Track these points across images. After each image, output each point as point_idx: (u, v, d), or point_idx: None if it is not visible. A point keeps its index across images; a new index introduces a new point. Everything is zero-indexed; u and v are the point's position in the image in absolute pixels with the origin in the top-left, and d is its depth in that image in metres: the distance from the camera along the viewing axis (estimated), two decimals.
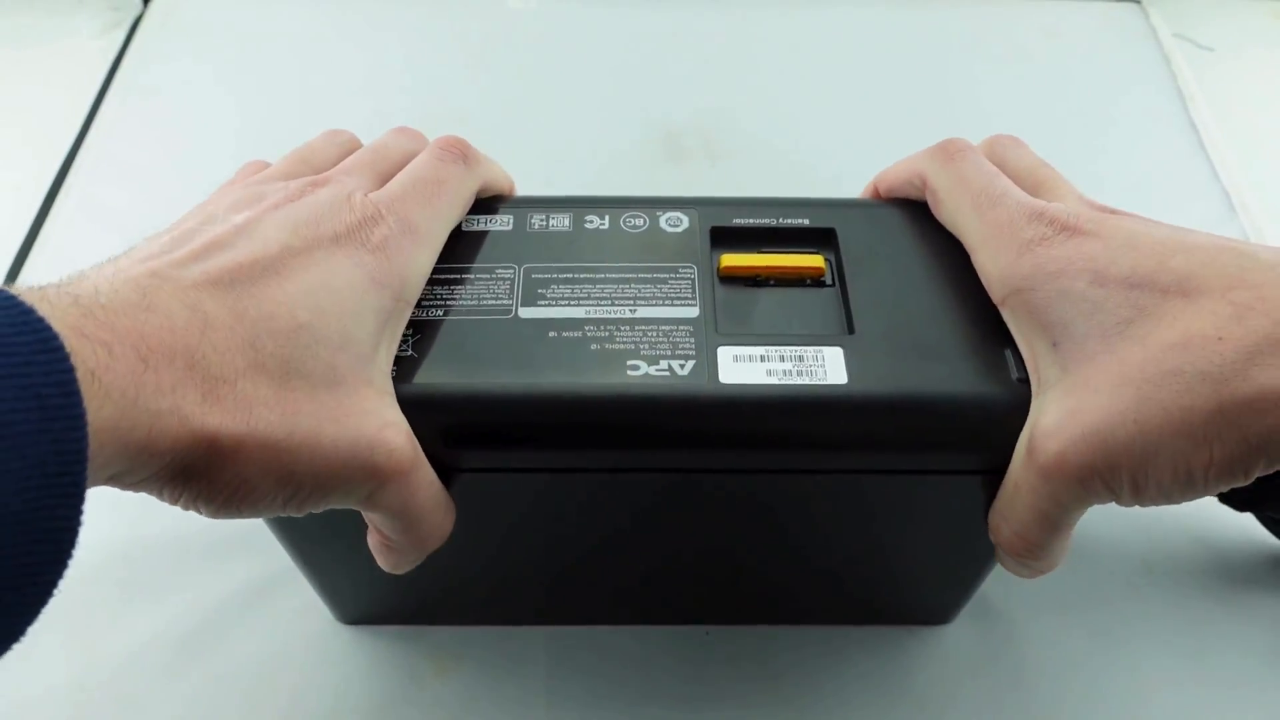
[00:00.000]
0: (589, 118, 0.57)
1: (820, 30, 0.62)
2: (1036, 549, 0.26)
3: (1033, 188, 0.28)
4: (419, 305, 0.27)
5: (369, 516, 0.26)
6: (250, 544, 0.39)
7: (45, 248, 0.51)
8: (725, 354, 0.27)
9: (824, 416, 0.26)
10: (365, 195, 0.27)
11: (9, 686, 0.36)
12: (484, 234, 0.30)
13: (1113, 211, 0.27)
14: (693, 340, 0.27)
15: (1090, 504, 0.25)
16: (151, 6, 0.64)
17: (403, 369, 0.26)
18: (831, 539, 0.33)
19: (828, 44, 0.62)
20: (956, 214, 0.28)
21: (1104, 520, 0.41)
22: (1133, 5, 0.64)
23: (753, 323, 0.28)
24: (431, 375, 0.26)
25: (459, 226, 0.29)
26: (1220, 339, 0.22)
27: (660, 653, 0.37)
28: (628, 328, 0.27)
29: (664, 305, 0.28)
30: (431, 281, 0.28)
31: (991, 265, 0.27)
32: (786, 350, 0.27)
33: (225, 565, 0.39)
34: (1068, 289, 0.25)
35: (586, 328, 0.27)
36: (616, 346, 0.27)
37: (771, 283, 0.29)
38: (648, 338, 0.27)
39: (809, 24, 0.63)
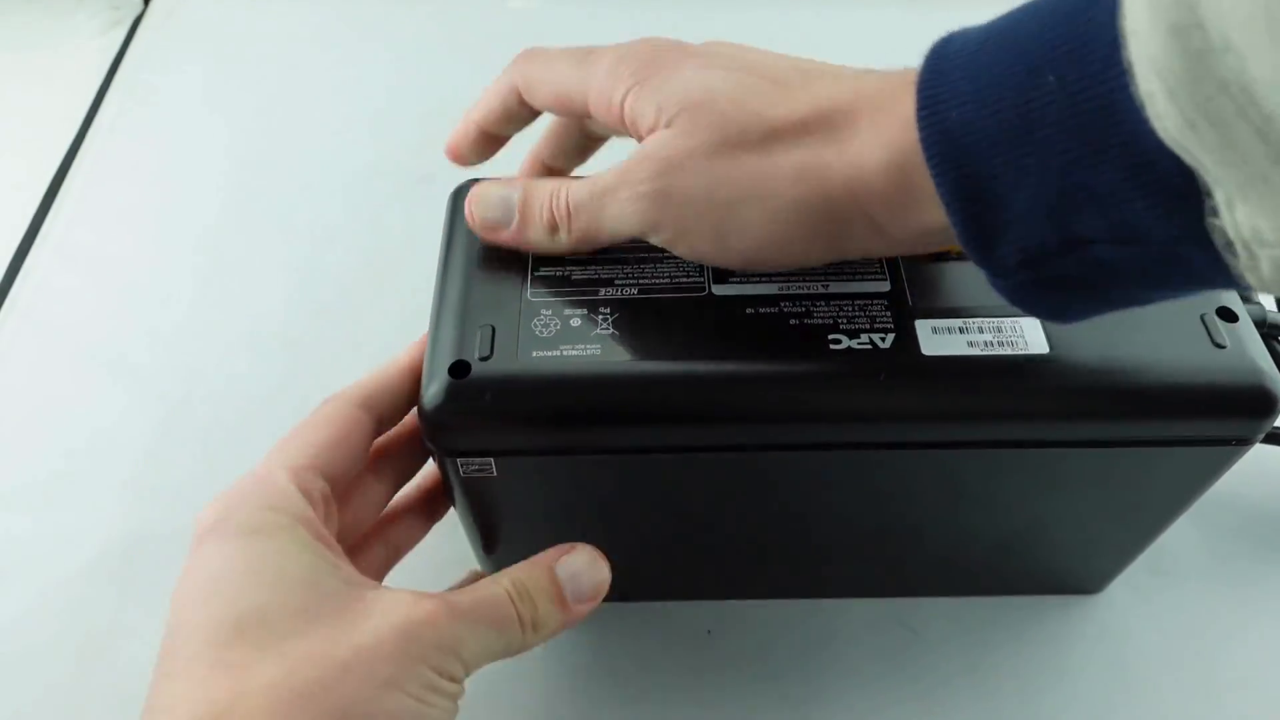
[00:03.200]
0: None
1: (820, 30, 0.62)
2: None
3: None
4: (612, 284, 0.29)
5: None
6: None
7: (45, 247, 0.51)
8: (923, 326, 0.27)
9: (1030, 385, 0.27)
10: None
11: (11, 686, 0.36)
12: None
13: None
14: (889, 314, 0.28)
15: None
16: (152, 6, 0.64)
17: (606, 348, 0.27)
18: (1008, 513, 0.33)
19: (828, 44, 0.62)
20: (564, 86, 0.29)
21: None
22: None
23: (943, 296, 0.28)
24: (638, 353, 0.27)
25: None
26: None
27: (783, 623, 0.38)
28: (823, 303, 0.28)
29: (855, 280, 0.28)
30: (619, 260, 0.29)
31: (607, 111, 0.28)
32: (984, 322, 0.28)
33: None
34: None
35: (782, 303, 0.28)
36: (815, 321, 0.27)
37: (954, 257, 0.29)
38: (844, 312, 0.28)
39: (809, 24, 0.63)
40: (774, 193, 0.24)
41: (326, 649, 0.23)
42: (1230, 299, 0.29)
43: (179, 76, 0.60)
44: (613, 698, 0.36)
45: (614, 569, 0.36)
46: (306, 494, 0.26)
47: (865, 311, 0.28)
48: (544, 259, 0.30)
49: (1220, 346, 0.27)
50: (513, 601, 0.26)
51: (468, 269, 0.29)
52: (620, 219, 0.27)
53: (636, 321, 0.28)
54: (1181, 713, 0.36)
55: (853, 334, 0.27)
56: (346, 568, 0.26)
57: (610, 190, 0.27)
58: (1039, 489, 0.31)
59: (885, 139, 0.23)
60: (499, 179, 0.30)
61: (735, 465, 0.29)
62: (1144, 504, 0.32)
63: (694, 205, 0.25)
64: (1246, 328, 0.28)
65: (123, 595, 0.38)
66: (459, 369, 0.27)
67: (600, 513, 0.32)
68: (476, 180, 0.32)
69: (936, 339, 0.27)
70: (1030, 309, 0.23)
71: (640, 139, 0.27)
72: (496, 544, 0.34)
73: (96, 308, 0.48)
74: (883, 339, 0.27)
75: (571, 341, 0.27)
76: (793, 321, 0.28)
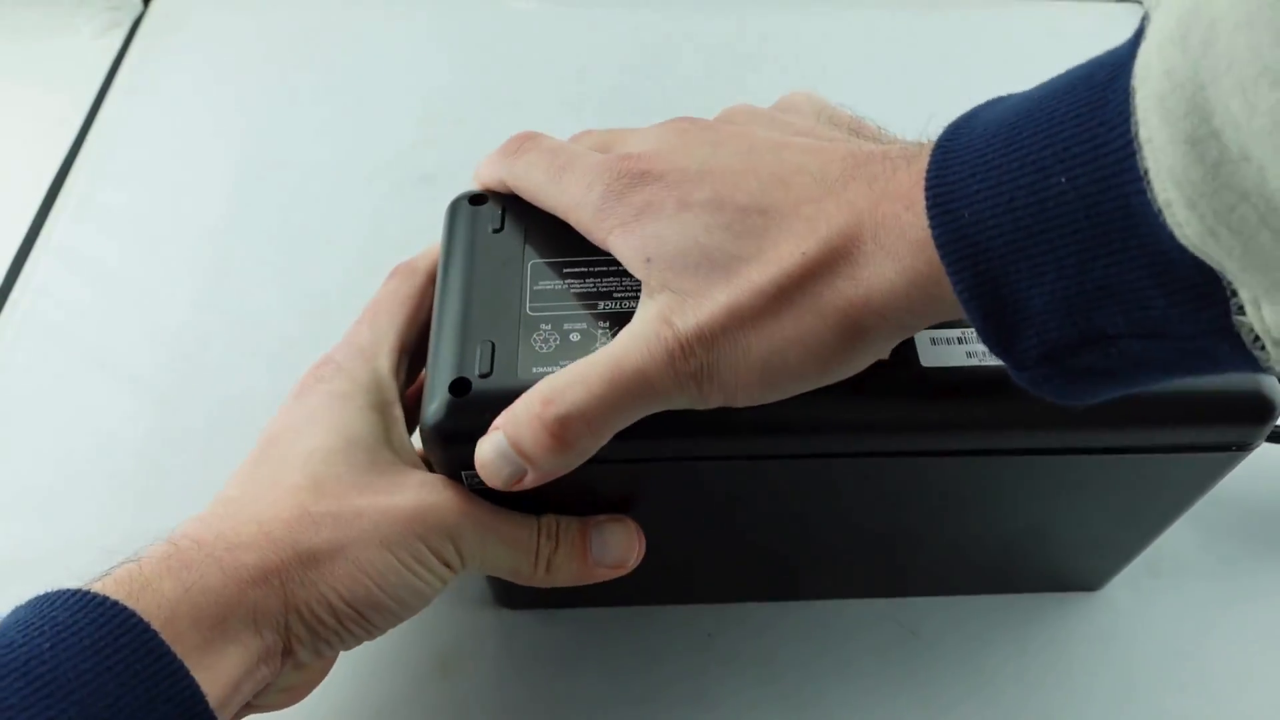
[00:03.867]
0: (590, 118, 0.57)
1: (820, 30, 0.62)
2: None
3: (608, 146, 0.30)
4: (610, 297, 0.29)
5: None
6: None
7: (46, 248, 0.50)
8: (923, 337, 0.27)
9: (1028, 395, 0.26)
10: None
11: None
12: None
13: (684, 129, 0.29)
14: None
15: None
16: (152, 7, 0.64)
17: None
18: (1008, 518, 0.33)
19: (828, 44, 0.62)
20: (539, 197, 0.30)
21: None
22: (1133, 5, 0.64)
23: None
24: None
25: None
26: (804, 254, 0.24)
27: (784, 625, 0.38)
28: None
29: None
30: (617, 274, 0.29)
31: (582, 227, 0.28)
32: None
33: None
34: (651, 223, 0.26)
35: None
36: None
37: None
38: None
39: (809, 24, 0.63)
40: (809, 334, 0.24)
41: (353, 495, 0.28)
42: None
43: (179, 77, 0.60)
44: (614, 699, 0.36)
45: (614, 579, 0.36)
46: (396, 376, 0.32)
47: None
48: (542, 274, 0.29)
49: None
50: (539, 533, 0.30)
51: (466, 284, 0.29)
52: (663, 403, 0.26)
53: None
54: (1182, 712, 0.36)
55: None
56: (402, 439, 0.31)
57: (646, 377, 0.25)
58: (1039, 495, 0.31)
59: (897, 258, 0.23)
60: (486, 437, 0.27)
61: (736, 475, 0.29)
62: (1144, 508, 0.32)
63: (740, 371, 0.25)
64: None
65: None
66: (459, 386, 0.27)
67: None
68: (472, 194, 0.32)
69: (935, 350, 0.27)
70: (1052, 397, 0.23)
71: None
72: None
73: (96, 309, 0.48)
74: None
75: (571, 356, 0.27)
76: None
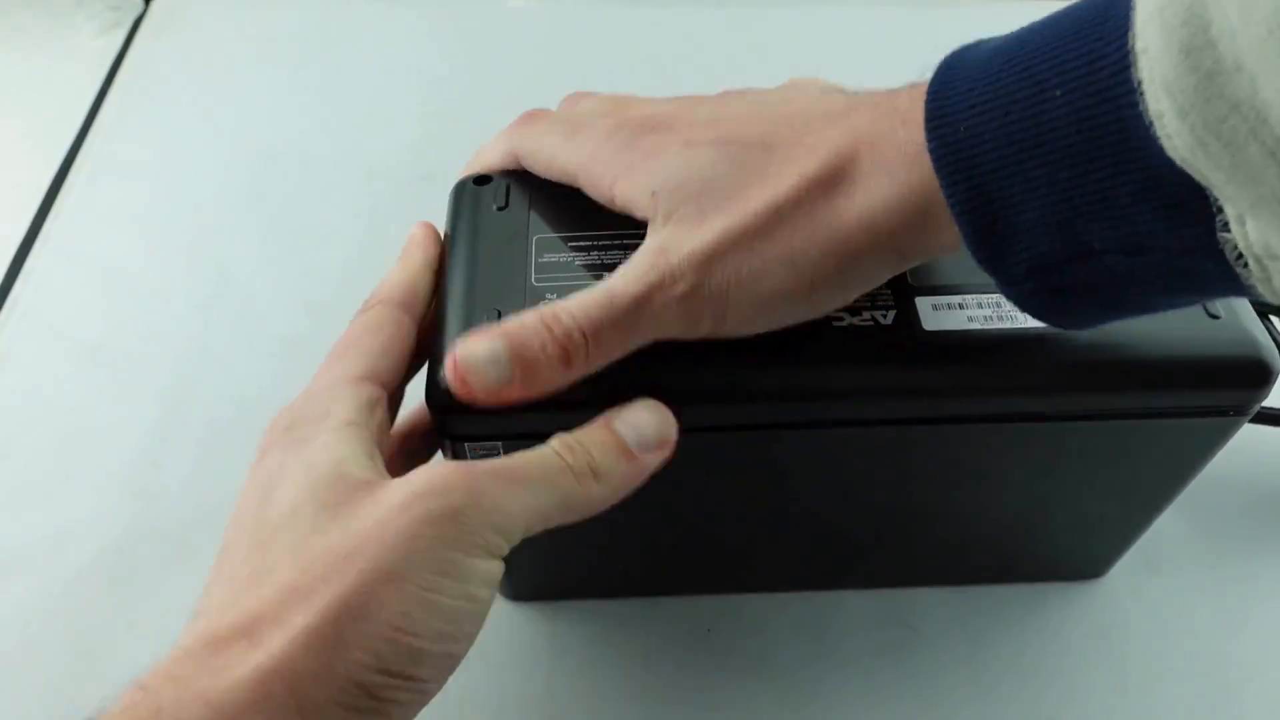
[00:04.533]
0: None
1: (820, 29, 0.62)
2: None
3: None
4: (614, 269, 0.28)
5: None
6: None
7: (46, 247, 0.51)
8: (924, 303, 0.28)
9: (1029, 358, 0.27)
10: None
11: (8, 684, 0.36)
12: None
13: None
14: (889, 290, 0.28)
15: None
16: (152, 7, 0.64)
17: None
18: (1009, 492, 0.33)
19: (827, 43, 0.62)
20: (555, 158, 0.29)
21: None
22: None
23: (943, 273, 0.29)
24: None
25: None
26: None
27: (782, 621, 0.38)
28: None
29: None
30: (621, 245, 0.29)
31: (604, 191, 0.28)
32: (984, 297, 0.28)
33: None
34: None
35: None
36: None
37: None
38: None
39: (809, 23, 0.63)
40: (799, 254, 0.24)
41: (334, 542, 0.22)
42: None
43: (179, 77, 0.60)
44: (613, 695, 0.36)
45: (620, 561, 0.36)
46: (363, 403, 0.27)
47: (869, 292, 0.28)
48: (547, 248, 0.30)
49: (1215, 317, 0.27)
50: (559, 454, 0.25)
51: (472, 259, 0.29)
52: (655, 327, 0.25)
53: None
54: (1181, 704, 0.36)
55: (854, 311, 0.27)
56: (380, 466, 0.25)
57: (639, 300, 0.25)
58: (1039, 465, 0.31)
59: (891, 173, 0.23)
60: (474, 335, 0.26)
61: (742, 446, 0.29)
62: (1143, 479, 0.32)
63: (729, 293, 0.25)
64: (1241, 299, 0.28)
65: (121, 594, 0.38)
66: None
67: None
68: (476, 175, 0.32)
69: (937, 315, 0.27)
70: (1040, 315, 0.23)
71: (637, 220, 0.27)
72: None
73: (96, 308, 0.48)
74: (884, 315, 0.27)
75: None
76: None
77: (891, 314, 0.27)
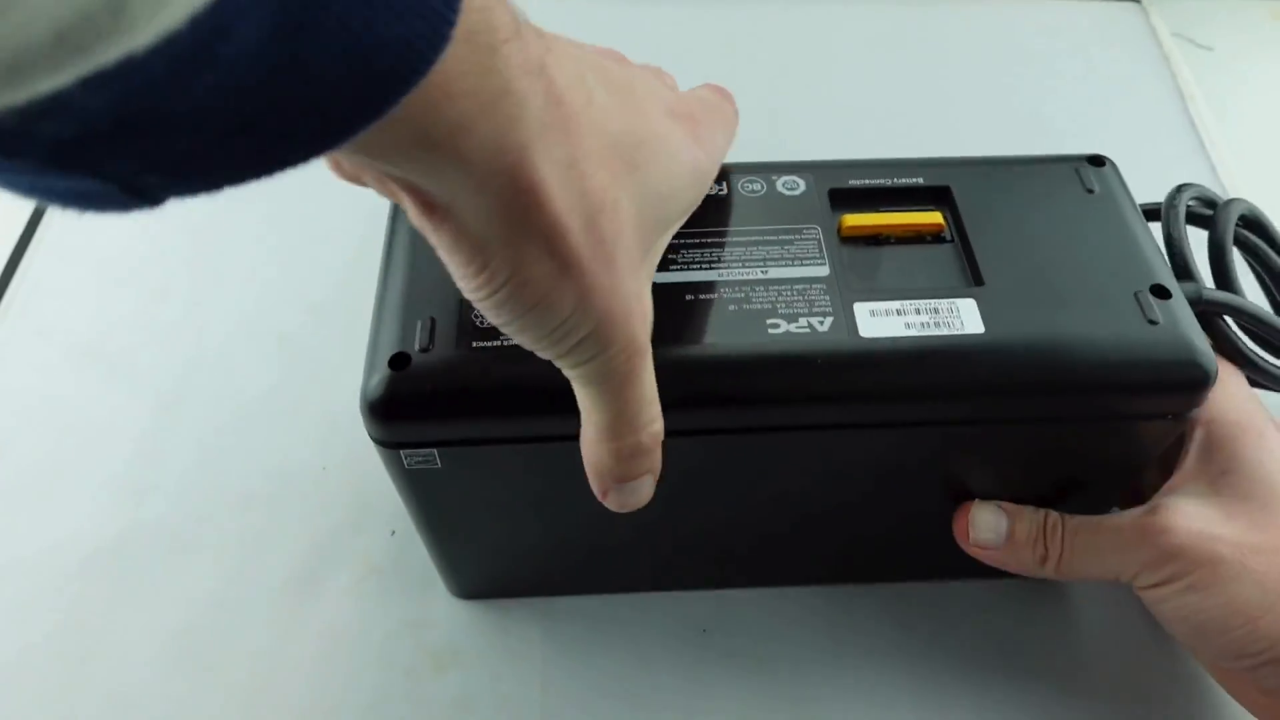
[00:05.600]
0: None
1: (820, 28, 0.62)
2: (1040, 569, 0.32)
3: None
4: None
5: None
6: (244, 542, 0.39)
7: (41, 245, 0.50)
8: (862, 309, 0.28)
9: (966, 365, 0.27)
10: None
11: (6, 683, 0.36)
12: None
13: None
14: (828, 298, 0.28)
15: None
16: None
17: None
18: (958, 493, 0.33)
19: (827, 42, 0.62)
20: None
21: None
22: (1133, 5, 0.64)
23: (881, 279, 0.29)
24: None
25: None
26: None
27: (778, 622, 0.38)
28: (762, 288, 0.28)
29: (794, 265, 0.29)
30: None
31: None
32: (922, 304, 0.28)
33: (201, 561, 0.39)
34: None
35: (722, 289, 0.28)
36: (754, 306, 0.28)
37: (893, 240, 0.30)
38: (783, 297, 0.28)
39: (809, 21, 0.63)
40: None
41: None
42: (1164, 276, 0.29)
43: None
44: (608, 695, 0.36)
45: (560, 561, 0.36)
46: None
47: (804, 296, 0.28)
48: None
49: (1153, 323, 0.27)
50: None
51: (409, 264, 0.29)
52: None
53: None
54: (1180, 704, 0.36)
55: (791, 318, 0.28)
56: None
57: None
58: (982, 466, 0.31)
59: None
60: (987, 504, 0.33)
61: (677, 451, 0.29)
62: (1086, 481, 0.32)
63: None
64: (1180, 304, 0.28)
65: (117, 592, 0.38)
66: (399, 361, 0.27)
67: (545, 504, 0.32)
68: None
69: (874, 321, 0.28)
70: None
71: None
72: (446, 540, 0.34)
73: (92, 306, 0.48)
74: (821, 322, 0.27)
75: None
76: (731, 307, 0.28)
77: (829, 320, 0.28)
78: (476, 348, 0.27)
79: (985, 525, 0.32)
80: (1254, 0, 0.65)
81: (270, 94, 0.14)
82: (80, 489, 0.41)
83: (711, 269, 0.29)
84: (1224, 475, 0.30)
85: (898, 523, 0.35)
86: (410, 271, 0.29)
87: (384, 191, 0.21)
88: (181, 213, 0.53)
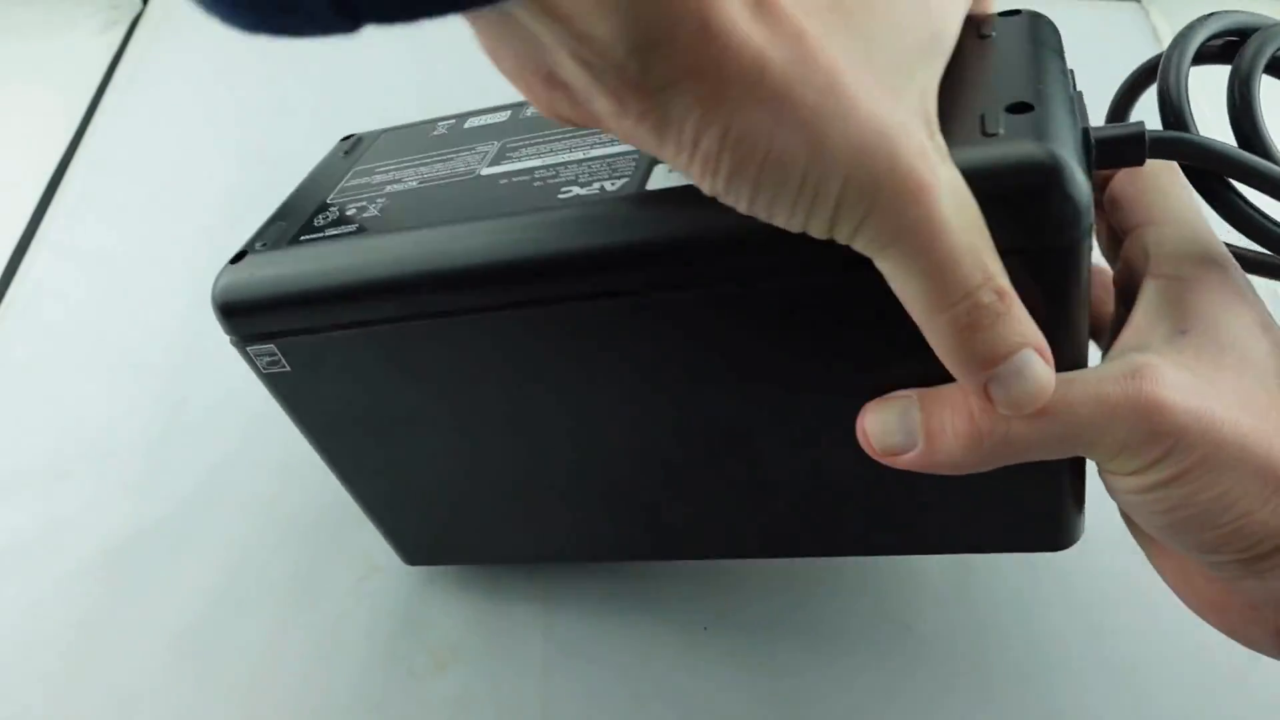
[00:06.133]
0: None
1: None
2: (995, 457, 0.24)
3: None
4: (401, 181, 0.30)
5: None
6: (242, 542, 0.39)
7: (44, 242, 0.51)
8: (660, 169, 0.26)
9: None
10: None
11: (9, 683, 0.36)
12: (484, 125, 0.32)
13: None
14: (634, 164, 0.27)
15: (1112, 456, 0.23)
16: (151, 5, 0.64)
17: (365, 226, 0.28)
18: (844, 394, 0.26)
19: None
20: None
21: None
22: (1133, 5, 0.64)
23: None
24: (387, 227, 0.28)
25: (464, 122, 0.33)
26: None
27: (779, 619, 0.38)
28: (575, 165, 0.28)
29: (615, 144, 0.28)
30: (416, 163, 0.31)
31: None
32: None
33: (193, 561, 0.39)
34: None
35: (537, 172, 0.28)
36: (557, 180, 0.28)
37: None
38: (590, 169, 0.27)
39: None
40: None
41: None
42: (1030, 93, 0.23)
43: (178, 74, 0.60)
44: (608, 696, 0.36)
45: (476, 511, 0.35)
46: None
47: (611, 166, 0.27)
48: (361, 175, 0.32)
49: (991, 135, 0.22)
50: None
51: (299, 187, 0.33)
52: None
53: (400, 204, 0.29)
54: (1181, 701, 0.36)
55: (586, 184, 0.27)
56: None
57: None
58: (839, 343, 0.26)
59: None
60: (888, 398, 0.25)
61: (486, 332, 0.28)
62: None
63: None
64: (1046, 117, 0.22)
65: (120, 593, 0.38)
66: (237, 258, 0.30)
67: (419, 423, 0.31)
68: (373, 133, 0.35)
69: (669, 177, 0.25)
70: None
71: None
72: (351, 477, 0.34)
73: (95, 305, 0.48)
74: (613, 184, 0.26)
75: (338, 226, 0.29)
76: (537, 183, 0.28)
77: (621, 182, 0.26)
78: (304, 240, 0.29)
79: (886, 423, 0.24)
80: (1254, 1, 0.65)
81: None
82: (81, 489, 0.41)
83: (540, 158, 0.29)
84: (1183, 335, 0.24)
85: (806, 447, 0.29)
86: (295, 194, 0.32)
87: (550, 98, 0.22)
88: (182, 212, 0.53)
